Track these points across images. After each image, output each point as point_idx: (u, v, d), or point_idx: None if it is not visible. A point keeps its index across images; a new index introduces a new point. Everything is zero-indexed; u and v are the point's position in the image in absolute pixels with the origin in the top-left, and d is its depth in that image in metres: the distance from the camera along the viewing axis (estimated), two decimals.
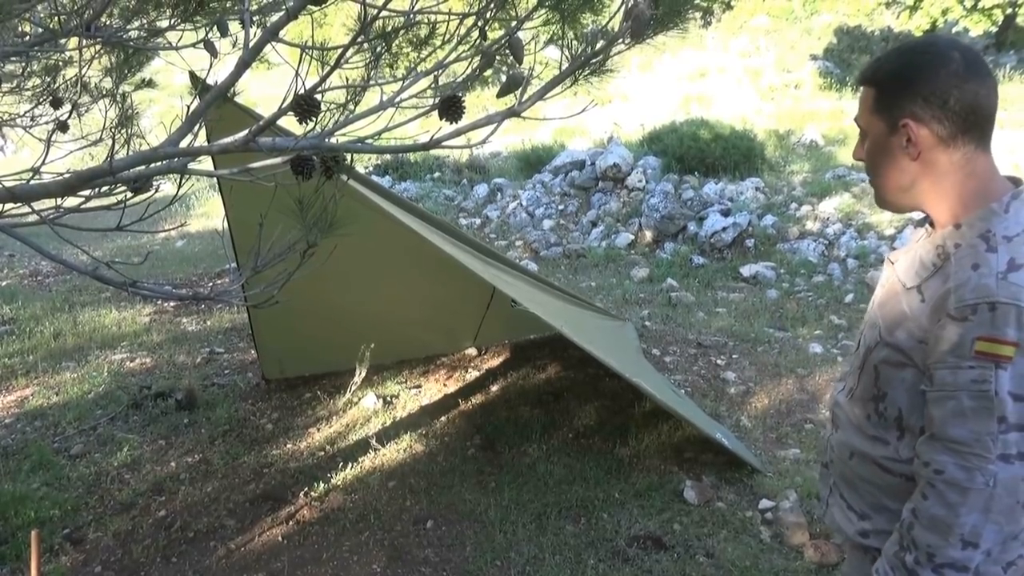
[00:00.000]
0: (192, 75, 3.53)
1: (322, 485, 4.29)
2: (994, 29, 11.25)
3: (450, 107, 1.89)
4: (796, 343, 6.29)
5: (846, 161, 11.10)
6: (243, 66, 1.84)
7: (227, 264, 9.95)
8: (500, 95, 2.02)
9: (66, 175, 2.21)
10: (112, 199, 2.80)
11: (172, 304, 8.39)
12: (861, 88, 1.57)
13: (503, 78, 1.92)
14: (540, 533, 3.74)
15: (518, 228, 10.20)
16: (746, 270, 8.20)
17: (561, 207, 10.43)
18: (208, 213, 14.65)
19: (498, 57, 2.11)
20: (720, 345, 6.29)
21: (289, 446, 4.84)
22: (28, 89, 3.69)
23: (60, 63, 3.74)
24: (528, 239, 9.69)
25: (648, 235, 9.24)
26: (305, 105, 1.75)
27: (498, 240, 10.03)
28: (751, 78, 19.17)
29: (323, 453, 4.73)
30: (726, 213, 9.06)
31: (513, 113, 1.91)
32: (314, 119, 1.79)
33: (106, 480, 4.49)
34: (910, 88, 1.48)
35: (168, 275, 9.74)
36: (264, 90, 17.09)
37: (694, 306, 7.37)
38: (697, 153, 10.21)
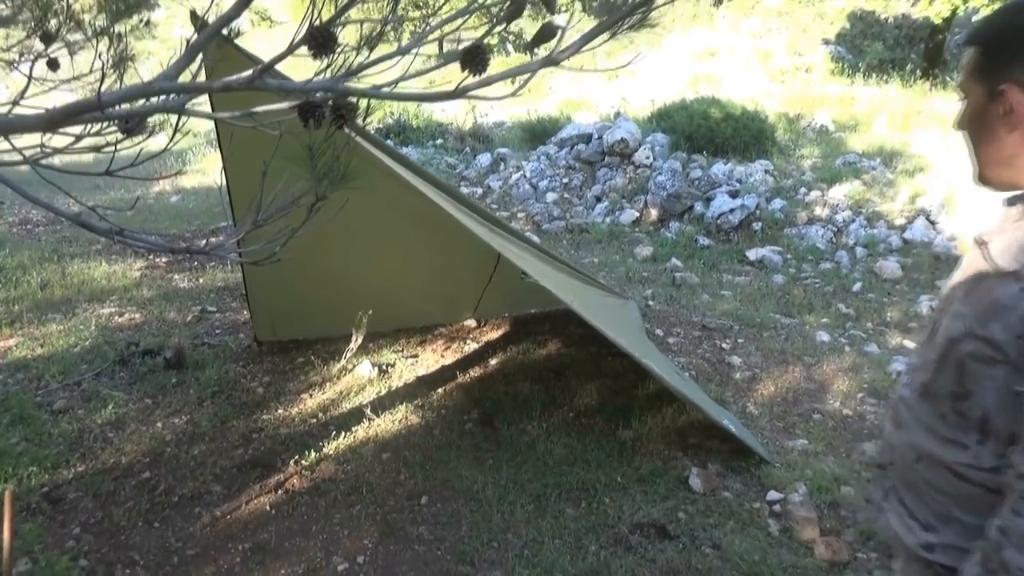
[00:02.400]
0: (193, 13, 3.32)
1: (313, 454, 4.13)
2: None
3: (473, 57, 1.70)
4: (803, 330, 6.14)
5: (856, 147, 10.91)
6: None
7: (223, 222, 9.73)
8: (531, 46, 1.84)
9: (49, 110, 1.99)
10: (101, 140, 2.59)
11: (164, 260, 8.18)
12: (966, 49, 1.39)
13: (509, 47, 1.73)
14: (539, 515, 3.60)
15: (520, 200, 10.00)
16: (752, 254, 8.03)
17: (565, 180, 10.22)
18: (204, 169, 14.36)
19: (530, 6, 1.92)
20: (725, 328, 6.13)
21: (280, 411, 4.68)
22: (16, 23, 3.46)
23: None
24: (530, 211, 9.49)
25: (653, 213, 9.05)
26: (321, 38, 1.55)
27: (500, 211, 9.81)
28: (761, 60, 18.87)
29: (315, 420, 4.57)
30: (734, 195, 8.87)
31: (552, 62, 1.72)
32: (330, 56, 1.60)
33: (89, 438, 4.32)
34: (1013, 50, 1.31)
35: (161, 229, 9.52)
36: (267, 49, 16.74)
37: (699, 288, 7.20)
38: (707, 132, 9.99)
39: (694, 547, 3.34)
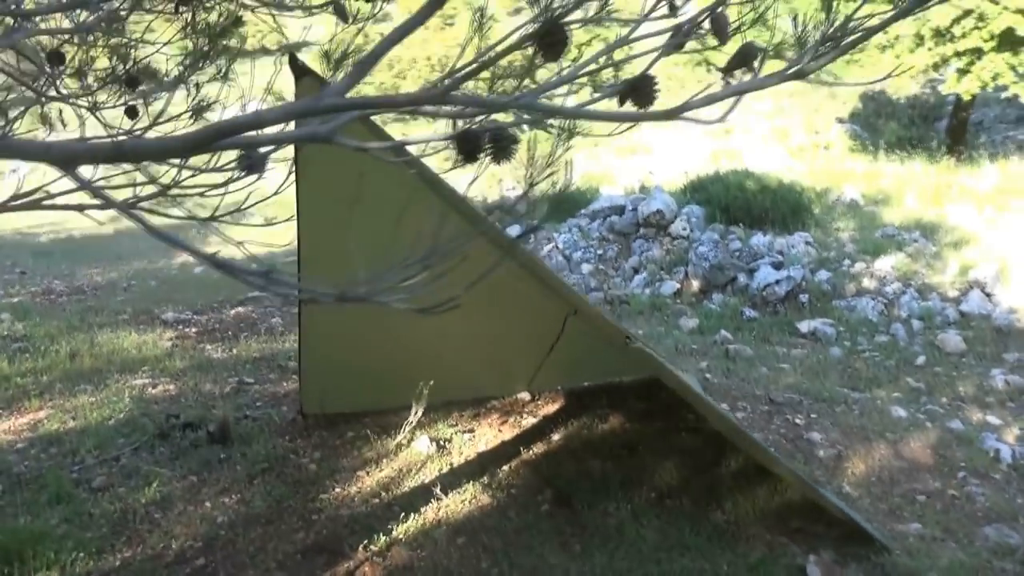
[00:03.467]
0: (292, 57, 3.13)
1: (382, 537, 3.76)
2: None
3: (638, 89, 1.48)
4: (876, 405, 5.81)
5: (892, 220, 10.77)
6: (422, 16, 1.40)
7: (251, 292, 9.50)
8: (727, 70, 1.64)
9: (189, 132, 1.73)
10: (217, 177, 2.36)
11: (195, 330, 7.90)
12: None
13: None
14: None
15: (555, 271, 9.77)
16: (804, 326, 7.76)
17: (600, 252, 10.03)
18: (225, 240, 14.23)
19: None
20: (794, 403, 5.80)
21: (337, 490, 4.32)
22: (94, 70, 3.27)
23: (129, 43, 3.33)
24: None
25: (695, 284, 8.82)
26: (552, 36, 1.32)
27: None
28: (778, 137, 19.05)
29: (377, 500, 4.21)
30: (778, 266, 8.66)
31: (800, 74, 1.51)
32: (559, 59, 1.37)
33: (134, 519, 3.96)
34: None
35: (188, 301, 9.26)
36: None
37: (755, 360, 6.90)
38: (743, 204, 9.87)
39: None
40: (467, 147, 1.54)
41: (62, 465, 4.58)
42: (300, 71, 3.13)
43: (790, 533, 3.87)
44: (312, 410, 5.43)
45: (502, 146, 1.60)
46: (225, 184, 2.23)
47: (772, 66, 1.56)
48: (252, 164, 1.78)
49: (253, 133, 1.47)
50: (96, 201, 1.81)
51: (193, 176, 2.23)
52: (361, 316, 4.81)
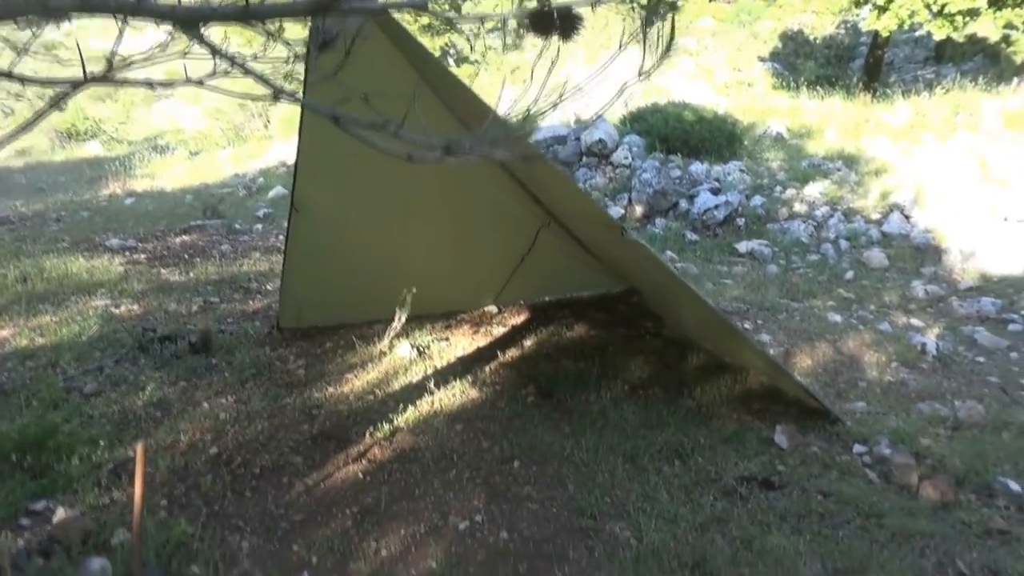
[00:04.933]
0: None
1: (385, 426, 3.99)
2: (955, 34, 11.76)
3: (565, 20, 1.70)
4: (814, 312, 6.33)
5: (816, 152, 11.37)
6: None
7: (193, 222, 9.37)
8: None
9: None
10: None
11: (144, 256, 7.78)
12: None
13: None
14: (639, 473, 3.57)
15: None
16: (742, 247, 8.25)
17: None
18: (152, 174, 13.82)
19: None
20: (741, 311, 6.26)
21: (331, 390, 4.50)
22: None
23: None
24: None
25: (639, 210, 9.19)
26: None
27: None
28: (704, 75, 19.52)
29: (372, 397, 4.42)
30: (716, 192, 9.10)
31: None
32: None
33: (135, 419, 4.05)
34: None
35: (127, 229, 9.05)
36: None
37: (701, 277, 7.34)
38: (681, 134, 10.23)
39: (805, 496, 3.38)
40: (540, 25, 1.76)
41: (45, 376, 4.59)
42: None
43: (754, 413, 4.29)
44: (288, 324, 5.54)
45: (569, 24, 1.83)
46: (296, 59, 2.34)
47: None
48: (326, 41, 1.96)
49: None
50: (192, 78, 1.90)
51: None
52: (342, 233, 4.93)
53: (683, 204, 9.09)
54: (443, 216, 4.93)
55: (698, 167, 9.74)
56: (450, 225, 5.08)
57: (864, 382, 4.85)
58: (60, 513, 3.03)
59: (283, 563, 2.86)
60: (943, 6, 11.32)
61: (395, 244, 5.07)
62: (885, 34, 12.27)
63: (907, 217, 8.58)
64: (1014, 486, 3.47)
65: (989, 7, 11.56)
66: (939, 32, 11.81)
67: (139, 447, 2.48)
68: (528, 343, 5.43)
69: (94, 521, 3.00)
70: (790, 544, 3.00)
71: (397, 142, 1.52)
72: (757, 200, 9.17)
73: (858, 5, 12.27)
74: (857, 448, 3.81)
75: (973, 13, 11.78)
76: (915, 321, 6.18)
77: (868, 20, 12.28)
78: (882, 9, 11.72)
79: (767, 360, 4.10)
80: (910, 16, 11.59)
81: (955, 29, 11.70)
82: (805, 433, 4.01)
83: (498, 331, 5.71)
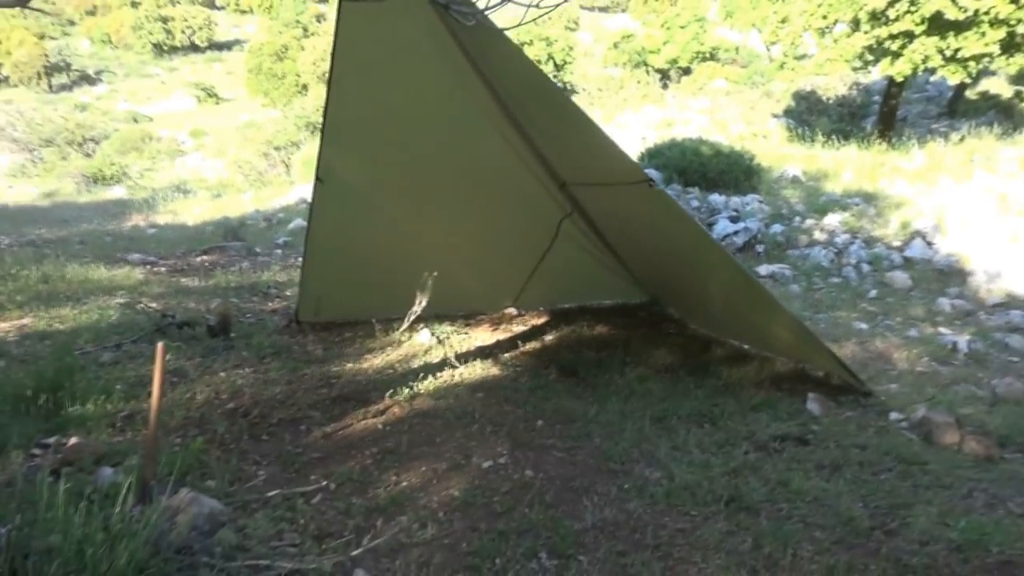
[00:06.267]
0: None
1: (405, 390, 3.90)
2: (968, 80, 11.90)
3: None
4: (839, 322, 6.23)
5: (833, 190, 11.39)
6: None
7: (218, 243, 9.45)
8: None
9: None
10: None
11: (164, 268, 7.82)
12: None
13: None
14: (667, 433, 3.44)
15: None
16: (763, 270, 8.18)
17: None
18: (175, 211, 14.01)
19: None
20: None
21: (350, 365, 4.43)
22: None
23: None
24: None
25: None
26: None
27: None
28: (719, 128, 19.78)
29: (391, 371, 4.33)
30: (734, 220, 9.10)
31: None
32: None
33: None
34: None
35: (147, 250, 9.12)
36: None
37: None
38: (698, 167, 10.31)
39: (841, 449, 3.24)
40: None
41: (62, 349, 4.54)
42: None
43: (783, 390, 4.16)
44: (306, 317, 5.48)
45: None
46: None
47: None
48: None
49: None
50: None
51: None
52: (364, 229, 4.93)
53: None
54: (465, 200, 4.91)
55: (716, 198, 9.77)
56: (471, 211, 5.06)
57: (895, 372, 4.72)
58: (72, 442, 2.95)
59: (300, 487, 2.75)
60: (956, 51, 11.49)
61: (415, 230, 5.04)
62: (899, 79, 12.43)
63: (929, 243, 8.51)
64: None
65: (1002, 53, 11.73)
66: (953, 77, 11.96)
67: (160, 346, 2.42)
68: (549, 337, 5.36)
69: (106, 446, 2.91)
70: (829, 486, 2.86)
71: None
72: (776, 228, 9.14)
73: (872, 51, 12.44)
74: (893, 415, 3.68)
75: (985, 58, 11.94)
76: (943, 330, 6.05)
77: (882, 66, 12.45)
78: (895, 55, 11.91)
79: (796, 328, 3.99)
80: (923, 61, 11.77)
81: (968, 74, 11.85)
82: (838, 403, 3.88)
83: (518, 328, 5.64)
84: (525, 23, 1.84)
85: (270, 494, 2.60)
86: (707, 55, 28.98)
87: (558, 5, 1.65)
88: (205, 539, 2.03)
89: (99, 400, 3.48)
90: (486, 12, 2.22)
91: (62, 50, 47.48)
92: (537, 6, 1.80)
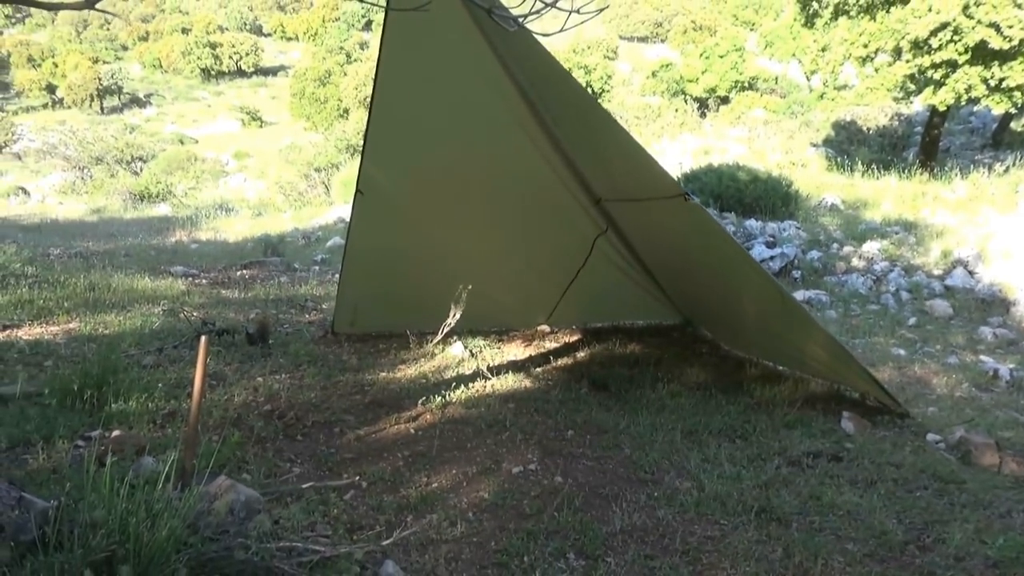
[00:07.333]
0: None
1: (438, 398, 3.94)
2: (1014, 111, 11.73)
3: None
4: (877, 347, 6.14)
5: (873, 219, 11.27)
6: None
7: (258, 258, 9.64)
8: None
9: None
10: None
11: (206, 280, 8.00)
12: None
13: None
14: (698, 446, 3.43)
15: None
16: (799, 295, 8.10)
17: None
18: (217, 228, 14.33)
19: None
20: None
21: (383, 374, 4.49)
22: None
23: None
24: None
25: None
26: None
27: None
28: (757, 156, 19.70)
29: (424, 381, 4.38)
30: (771, 245, 9.04)
31: None
32: None
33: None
34: None
35: (190, 263, 9.35)
36: None
37: None
38: (735, 193, 10.29)
39: (876, 466, 3.20)
40: None
41: (107, 353, 4.67)
42: None
43: (817, 409, 4.12)
44: (342, 329, 5.57)
45: None
46: None
47: None
48: None
49: None
50: None
51: None
52: (400, 241, 5.01)
53: None
54: (501, 215, 4.97)
55: (753, 223, 9.73)
56: (507, 227, 5.11)
57: (933, 396, 4.64)
58: (115, 434, 3.03)
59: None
60: (1001, 80, 11.35)
61: (450, 244, 5.11)
62: (942, 109, 12.30)
63: (971, 272, 8.37)
64: None
65: None
66: (997, 107, 11.81)
67: (203, 338, 2.50)
68: (581, 353, 5.37)
69: (148, 439, 2.99)
70: (863, 501, 2.83)
71: None
72: (814, 254, 9.07)
73: (913, 80, 12.33)
74: (930, 436, 3.62)
75: None
76: (985, 359, 5.94)
77: (924, 95, 12.34)
78: (938, 84, 11.80)
79: (831, 347, 3.95)
80: (967, 91, 11.64)
81: (1013, 104, 11.69)
82: (874, 423, 3.83)
83: (550, 345, 5.66)
84: (567, 29, 1.90)
85: (304, 486, 2.65)
86: (746, 84, 28.98)
87: (601, 11, 1.69)
88: (241, 524, 2.08)
89: (141, 398, 3.57)
90: (525, 20, 2.28)
91: (114, 74, 49.02)
92: (578, 11, 1.85)
